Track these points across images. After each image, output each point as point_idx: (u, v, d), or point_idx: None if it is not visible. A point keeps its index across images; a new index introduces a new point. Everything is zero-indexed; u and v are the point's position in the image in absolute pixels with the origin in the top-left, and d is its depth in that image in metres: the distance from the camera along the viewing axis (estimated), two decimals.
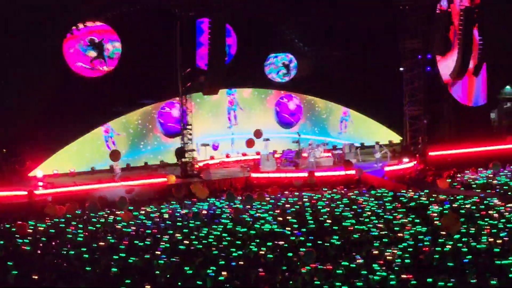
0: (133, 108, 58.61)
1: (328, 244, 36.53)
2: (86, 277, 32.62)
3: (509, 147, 60.61)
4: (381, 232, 38.35)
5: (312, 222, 41.01)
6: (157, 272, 32.55)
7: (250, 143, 55.74)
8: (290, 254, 34.61)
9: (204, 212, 45.31)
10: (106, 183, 51.64)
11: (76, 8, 54.85)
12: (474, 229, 38.07)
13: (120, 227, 42.00)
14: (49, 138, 54.97)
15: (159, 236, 39.30)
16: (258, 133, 54.89)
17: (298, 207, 45.93)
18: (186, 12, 54.19)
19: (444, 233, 34.78)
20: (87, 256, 36.00)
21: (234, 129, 62.66)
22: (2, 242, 38.88)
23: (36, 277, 32.64)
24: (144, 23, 56.67)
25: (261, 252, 34.59)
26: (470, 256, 33.13)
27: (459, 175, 53.73)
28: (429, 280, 30.02)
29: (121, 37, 56.74)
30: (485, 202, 44.35)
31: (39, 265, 34.74)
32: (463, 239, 36.17)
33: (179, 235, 39.33)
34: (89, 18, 55.85)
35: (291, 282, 30.44)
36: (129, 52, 56.94)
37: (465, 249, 34.36)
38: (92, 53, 56.17)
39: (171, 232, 40.13)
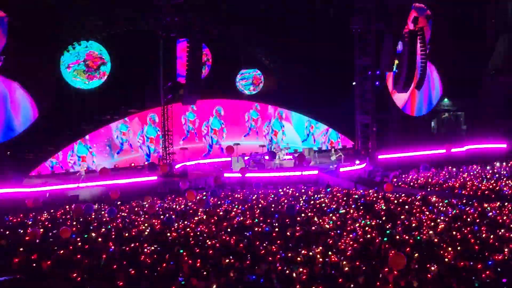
0: (121, 116, 58.27)
1: (289, 234, 36.82)
2: None
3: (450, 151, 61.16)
4: (336, 224, 38.61)
5: (277, 216, 40.92)
6: None
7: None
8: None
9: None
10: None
11: (73, 28, 55.19)
12: (415, 223, 38.40)
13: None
14: (46, 142, 55.02)
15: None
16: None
17: (263, 202, 46.08)
18: (167, 33, 54.25)
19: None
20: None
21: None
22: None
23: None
24: (132, 42, 56.66)
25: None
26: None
27: (404, 175, 54.18)
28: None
29: (111, 54, 56.63)
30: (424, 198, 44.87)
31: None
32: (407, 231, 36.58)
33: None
34: (84, 38, 55.68)
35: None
36: (118, 67, 56.77)
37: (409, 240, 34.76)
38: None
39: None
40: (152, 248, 35.23)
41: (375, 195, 46.84)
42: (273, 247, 34.40)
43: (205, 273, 30.91)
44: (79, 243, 36.81)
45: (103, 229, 39.69)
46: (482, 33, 75.80)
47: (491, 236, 34.56)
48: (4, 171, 51.19)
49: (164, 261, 33.01)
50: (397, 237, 35.48)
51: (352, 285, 28.89)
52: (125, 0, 56.54)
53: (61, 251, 35.39)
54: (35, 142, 54.48)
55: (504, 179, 50.17)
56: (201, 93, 57.22)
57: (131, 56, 56.76)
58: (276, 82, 64.06)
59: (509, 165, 55.26)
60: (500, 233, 35.19)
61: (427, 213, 40.76)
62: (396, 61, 60.98)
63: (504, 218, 38.29)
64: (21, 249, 35.60)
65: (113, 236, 38.39)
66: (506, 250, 32.31)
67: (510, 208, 40.83)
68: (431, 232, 36.12)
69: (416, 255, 32.17)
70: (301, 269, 30.83)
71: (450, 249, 32.77)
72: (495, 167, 55.61)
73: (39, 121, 52.77)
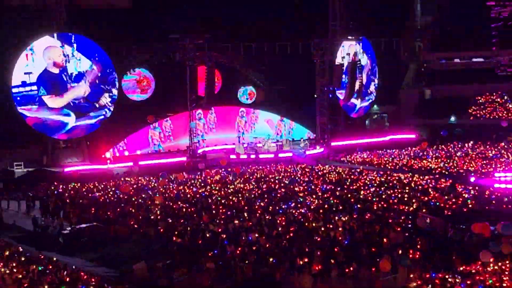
0: (163, 117, 58.21)
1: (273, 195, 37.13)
2: None
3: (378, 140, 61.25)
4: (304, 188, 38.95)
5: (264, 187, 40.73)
6: None
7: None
8: None
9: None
10: None
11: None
12: (355, 186, 38.86)
13: None
14: (113, 135, 55.10)
15: None
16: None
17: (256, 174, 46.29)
18: (192, 63, 54.42)
19: None
20: None
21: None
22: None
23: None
24: (169, 69, 56.86)
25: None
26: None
27: (348, 156, 54.70)
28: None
29: (155, 77, 56.82)
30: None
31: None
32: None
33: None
34: (136, 66, 55.97)
35: None
36: (159, 85, 56.97)
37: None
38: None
39: None
40: (182, 205, 35.68)
41: (328, 169, 47.26)
42: (263, 203, 35.00)
43: (217, 221, 31.45)
44: (136, 201, 37.30)
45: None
46: (399, 61, 76.48)
47: (406, 195, 35.18)
48: (85, 154, 51.45)
49: (192, 214, 33.58)
50: (343, 196, 36.16)
51: (313, 225, 29.49)
52: (164, 41, 56.93)
53: (122, 206, 36.07)
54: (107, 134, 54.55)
55: (414, 159, 50.75)
56: (214, 102, 57.49)
57: (168, 78, 57.01)
58: (264, 95, 63.87)
59: (416, 148, 55.50)
60: (411, 193, 35.83)
61: (363, 180, 41.41)
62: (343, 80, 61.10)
63: (413, 184, 38.99)
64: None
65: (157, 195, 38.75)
66: (415, 204, 33.12)
67: (417, 177, 41.52)
68: (367, 192, 36.80)
69: (354, 207, 32.93)
70: (280, 218, 31.42)
71: (379, 204, 33.51)
72: (408, 150, 55.97)
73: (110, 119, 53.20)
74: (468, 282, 21.39)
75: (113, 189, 41.79)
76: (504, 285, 20.98)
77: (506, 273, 22.10)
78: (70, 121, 50.80)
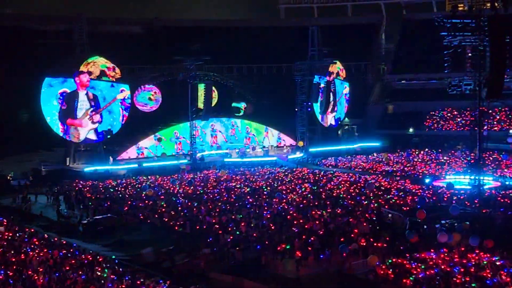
0: (167, 126, 57.19)
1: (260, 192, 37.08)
2: None
3: (348, 147, 61.21)
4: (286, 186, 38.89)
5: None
6: None
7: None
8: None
9: None
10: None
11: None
12: (330, 186, 38.73)
13: None
14: (127, 141, 54.50)
15: None
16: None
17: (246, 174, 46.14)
18: (193, 80, 54.30)
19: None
20: None
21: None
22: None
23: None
24: (173, 85, 56.44)
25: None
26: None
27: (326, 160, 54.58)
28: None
29: (162, 92, 56.72)
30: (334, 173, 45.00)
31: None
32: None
33: None
34: (146, 83, 55.98)
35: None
36: (165, 99, 56.84)
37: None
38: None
39: None
40: (185, 200, 35.59)
41: (307, 170, 47.24)
42: (251, 199, 34.95)
43: (213, 213, 31.41)
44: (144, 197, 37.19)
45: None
46: (366, 81, 76.92)
47: (371, 194, 35.23)
48: (102, 157, 51.08)
49: (192, 207, 33.54)
50: (319, 193, 36.14)
51: (300, 220, 29.54)
52: (170, 63, 56.95)
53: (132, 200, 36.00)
54: (120, 140, 53.78)
55: (380, 163, 50.85)
56: (211, 114, 57.26)
57: (173, 93, 56.85)
58: (252, 108, 63.76)
59: (380, 155, 55.54)
60: (375, 190, 35.87)
61: (336, 180, 41.40)
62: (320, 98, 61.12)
63: (377, 184, 38.99)
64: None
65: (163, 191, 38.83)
66: (381, 198, 33.19)
67: (381, 177, 41.62)
68: (339, 191, 36.84)
69: (328, 203, 32.97)
70: (266, 211, 31.43)
71: (351, 201, 33.54)
72: (373, 156, 56.09)
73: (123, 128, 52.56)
74: (423, 266, 21.58)
75: (124, 186, 41.71)
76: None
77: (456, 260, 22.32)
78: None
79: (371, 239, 25.46)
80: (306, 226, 27.92)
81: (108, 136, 51.36)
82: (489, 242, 23.31)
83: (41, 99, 47.98)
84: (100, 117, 50.66)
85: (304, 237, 26.02)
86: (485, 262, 21.81)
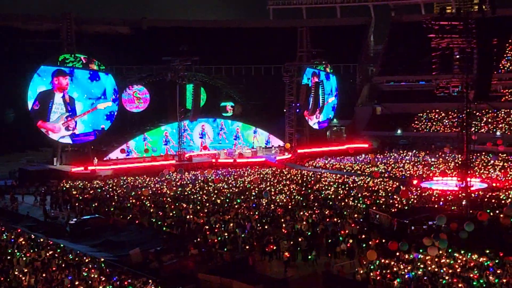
0: (155, 127, 56.78)
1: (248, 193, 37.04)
2: None
3: (337, 148, 61.27)
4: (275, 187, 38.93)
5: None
6: None
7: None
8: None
9: None
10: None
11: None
12: (320, 188, 38.81)
13: None
14: (115, 141, 54.32)
15: None
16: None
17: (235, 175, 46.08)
18: (181, 81, 54.21)
19: None
20: None
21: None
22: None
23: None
24: (162, 86, 56.39)
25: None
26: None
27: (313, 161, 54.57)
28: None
29: (150, 92, 56.58)
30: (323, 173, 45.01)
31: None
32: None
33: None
34: (134, 83, 55.73)
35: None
36: (154, 99, 56.69)
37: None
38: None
39: None
40: (171, 200, 35.59)
41: (295, 171, 47.31)
42: (240, 200, 34.94)
43: (201, 214, 31.38)
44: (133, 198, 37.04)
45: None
46: (355, 83, 77.21)
47: (359, 194, 35.30)
48: (89, 157, 50.81)
49: (181, 206, 33.45)
50: (307, 194, 36.23)
51: (287, 218, 29.58)
52: (158, 63, 56.79)
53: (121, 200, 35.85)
54: (107, 141, 53.80)
55: (368, 164, 50.99)
56: (199, 115, 57.18)
57: (161, 93, 56.70)
58: (241, 109, 63.84)
59: (368, 156, 55.69)
60: (363, 192, 35.91)
61: (325, 181, 41.50)
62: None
63: (365, 185, 39.09)
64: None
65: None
66: (368, 200, 33.29)
67: (367, 179, 41.74)
68: (328, 192, 36.91)
69: (316, 204, 33.04)
70: (255, 211, 31.49)
71: (342, 202, 33.62)
72: (362, 157, 56.17)
73: (110, 129, 52.47)
74: (409, 267, 21.70)
75: (112, 187, 41.58)
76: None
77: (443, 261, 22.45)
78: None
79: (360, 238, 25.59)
80: (294, 227, 27.91)
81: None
82: (454, 224, 24.91)
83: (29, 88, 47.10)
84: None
85: (291, 238, 26.04)
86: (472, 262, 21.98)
